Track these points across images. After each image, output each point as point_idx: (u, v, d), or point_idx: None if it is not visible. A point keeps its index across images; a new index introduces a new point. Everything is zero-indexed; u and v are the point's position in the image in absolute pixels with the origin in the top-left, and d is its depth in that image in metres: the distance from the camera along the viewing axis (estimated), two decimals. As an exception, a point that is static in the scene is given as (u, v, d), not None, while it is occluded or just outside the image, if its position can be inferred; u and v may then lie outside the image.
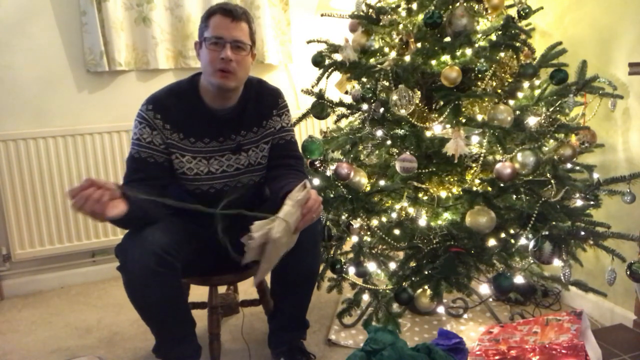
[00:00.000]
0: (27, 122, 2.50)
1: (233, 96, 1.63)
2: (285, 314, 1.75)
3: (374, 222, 1.85)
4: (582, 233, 1.76)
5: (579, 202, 1.80)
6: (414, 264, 1.82)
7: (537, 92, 1.86)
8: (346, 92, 2.06)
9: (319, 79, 1.99)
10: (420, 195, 1.84)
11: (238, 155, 1.67)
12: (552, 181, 1.70)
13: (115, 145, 2.59)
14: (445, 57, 1.75)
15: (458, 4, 1.74)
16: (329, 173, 1.91)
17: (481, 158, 1.72)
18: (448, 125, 1.74)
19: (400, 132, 1.78)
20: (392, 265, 1.87)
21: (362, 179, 1.81)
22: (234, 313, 2.05)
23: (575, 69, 1.85)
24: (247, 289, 2.28)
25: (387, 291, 1.86)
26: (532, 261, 1.78)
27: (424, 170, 1.81)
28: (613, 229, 1.78)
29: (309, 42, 2.07)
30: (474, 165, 1.79)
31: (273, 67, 2.91)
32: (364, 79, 1.94)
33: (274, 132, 1.72)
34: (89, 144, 2.55)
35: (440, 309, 2.00)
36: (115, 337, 2.06)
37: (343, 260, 1.93)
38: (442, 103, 1.85)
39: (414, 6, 1.86)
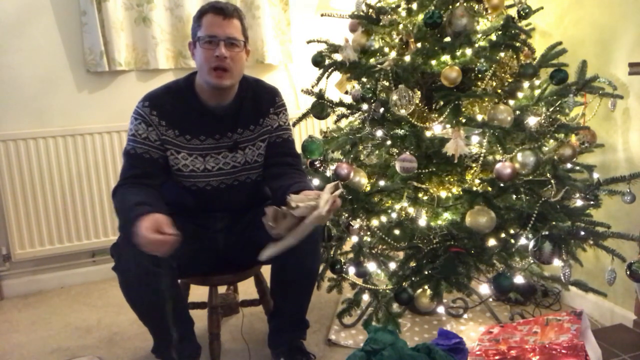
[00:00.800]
0: (27, 122, 2.50)
1: (229, 94, 1.64)
2: (285, 313, 1.75)
3: (374, 222, 1.85)
4: (582, 233, 1.76)
5: (579, 202, 1.80)
6: (414, 264, 1.82)
7: (537, 92, 1.86)
8: (346, 92, 2.06)
9: (319, 79, 1.99)
10: (420, 195, 1.84)
11: (234, 153, 1.67)
12: (552, 181, 1.70)
13: (115, 145, 2.59)
14: (445, 57, 1.75)
15: (458, 4, 1.74)
16: (329, 173, 1.90)
17: (481, 158, 1.72)
18: (448, 125, 1.74)
19: (400, 132, 1.78)
20: (392, 265, 1.87)
21: (362, 179, 1.81)
22: (234, 313, 2.05)
23: (575, 69, 1.85)
24: (247, 289, 2.28)
25: (387, 291, 1.86)
26: (532, 261, 1.78)
27: (424, 170, 1.81)
28: (613, 229, 1.78)
29: (309, 42, 2.07)
30: (474, 165, 1.79)
31: (273, 67, 2.91)
32: (364, 79, 1.94)
33: (271, 131, 1.72)
34: (89, 144, 2.55)
35: (440, 309, 2.00)
36: (115, 337, 2.06)
37: (343, 260, 1.93)
38: (442, 103, 1.84)
39: (414, 6, 1.86)
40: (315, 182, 1.91)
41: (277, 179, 1.67)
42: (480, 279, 1.92)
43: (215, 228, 1.74)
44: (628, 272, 1.56)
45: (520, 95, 1.87)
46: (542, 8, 2.05)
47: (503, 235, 1.77)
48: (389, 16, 1.87)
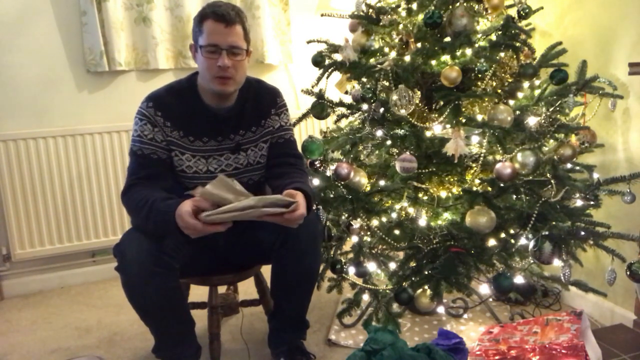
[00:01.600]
0: (27, 122, 2.50)
1: (231, 96, 1.63)
2: (285, 314, 1.75)
3: (374, 222, 1.85)
4: (582, 233, 1.76)
5: (579, 202, 1.80)
6: (414, 264, 1.82)
7: (537, 92, 1.86)
8: (346, 92, 2.06)
9: (319, 79, 1.99)
10: (420, 195, 1.84)
11: (237, 155, 1.67)
12: (552, 181, 1.70)
13: (115, 145, 2.59)
14: (445, 57, 1.75)
15: (458, 4, 1.74)
16: (329, 173, 1.90)
17: (481, 158, 1.72)
18: (448, 125, 1.74)
19: (400, 132, 1.78)
20: (392, 265, 1.87)
21: (362, 179, 1.81)
22: (234, 313, 2.05)
23: (575, 69, 1.85)
24: (247, 289, 2.28)
25: (387, 291, 1.86)
26: (532, 261, 1.78)
27: (424, 170, 1.81)
28: (613, 229, 1.78)
29: (309, 42, 2.07)
30: (474, 165, 1.79)
31: (273, 67, 2.91)
32: (364, 79, 1.94)
33: (273, 131, 1.72)
34: (89, 144, 2.55)
35: (440, 309, 2.00)
36: (115, 337, 2.06)
37: (343, 260, 1.93)
38: (442, 103, 1.84)
39: (414, 6, 1.86)
40: (316, 182, 1.91)
41: (277, 179, 1.67)
42: (480, 279, 1.92)
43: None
44: (628, 272, 1.56)
45: (520, 95, 1.87)
46: (542, 8, 2.05)
47: (503, 235, 1.77)
48: (389, 16, 1.87)
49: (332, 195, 1.86)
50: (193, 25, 1.58)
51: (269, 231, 1.59)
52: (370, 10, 1.92)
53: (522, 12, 1.85)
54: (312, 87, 1.99)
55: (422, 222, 1.79)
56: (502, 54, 1.79)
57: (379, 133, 1.83)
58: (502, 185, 1.69)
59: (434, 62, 1.76)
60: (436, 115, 1.83)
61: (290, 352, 1.73)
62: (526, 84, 1.87)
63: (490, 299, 2.10)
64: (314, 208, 1.77)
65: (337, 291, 2.03)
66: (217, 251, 1.73)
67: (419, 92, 1.89)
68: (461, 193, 1.78)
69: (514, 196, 1.74)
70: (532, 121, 1.76)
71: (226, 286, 2.14)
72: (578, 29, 2.04)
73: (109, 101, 2.64)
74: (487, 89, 1.76)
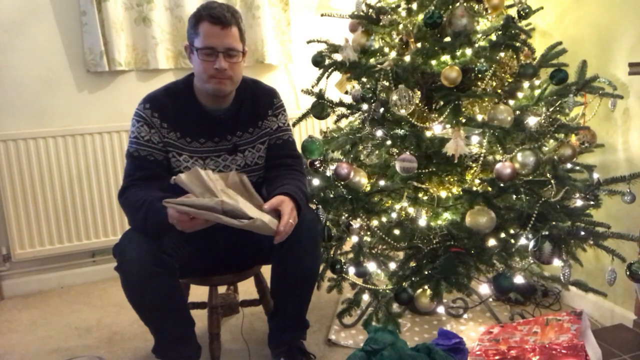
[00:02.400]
0: (27, 122, 2.50)
1: (228, 98, 1.64)
2: (285, 314, 1.75)
3: (374, 222, 1.85)
4: (582, 233, 1.76)
5: (579, 202, 1.80)
6: (414, 264, 1.82)
7: (537, 92, 1.86)
8: (346, 92, 2.05)
9: (319, 79, 1.99)
10: (420, 195, 1.84)
11: (234, 156, 1.67)
12: (552, 181, 1.70)
13: (115, 145, 2.60)
14: (445, 57, 1.75)
15: (458, 4, 1.74)
16: (329, 173, 1.90)
17: (481, 158, 1.72)
18: (448, 125, 1.74)
19: (400, 132, 1.78)
20: (392, 265, 1.87)
21: (362, 179, 1.81)
22: (234, 313, 2.05)
23: (575, 69, 1.84)
24: (247, 289, 2.28)
25: (387, 291, 1.86)
26: (532, 261, 1.78)
27: (424, 170, 1.81)
28: (613, 229, 1.78)
29: (309, 42, 2.07)
30: (474, 165, 1.79)
31: (273, 67, 2.91)
32: (364, 79, 1.94)
33: (271, 132, 1.72)
34: (89, 144, 2.55)
35: (440, 309, 2.00)
36: (115, 337, 2.06)
37: (343, 260, 1.92)
38: (442, 103, 1.84)
39: (414, 6, 1.86)
40: (316, 182, 1.91)
41: (271, 183, 1.67)
42: (480, 279, 1.91)
43: (215, 228, 1.74)
44: (628, 272, 1.56)
45: (520, 95, 1.87)
46: (542, 8, 2.05)
47: (503, 235, 1.77)
48: (389, 16, 1.87)
49: (332, 195, 1.86)
50: (188, 27, 1.57)
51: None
52: (370, 10, 1.92)
53: (522, 12, 1.85)
54: (312, 87, 1.99)
55: (422, 222, 1.79)
56: (502, 54, 1.79)
57: (379, 133, 1.83)
58: (502, 185, 1.69)
59: (434, 62, 1.76)
60: (436, 115, 1.83)
61: (290, 352, 1.73)
62: (526, 84, 1.87)
63: (490, 299, 2.10)
64: (314, 208, 1.77)
65: (337, 291, 2.03)
66: (217, 251, 1.73)
67: (419, 92, 1.89)
68: (461, 193, 1.77)
69: (514, 196, 1.74)
70: (532, 121, 1.76)
71: (226, 286, 2.14)
72: (578, 29, 2.04)
73: (109, 101, 2.64)
74: (487, 89, 1.76)
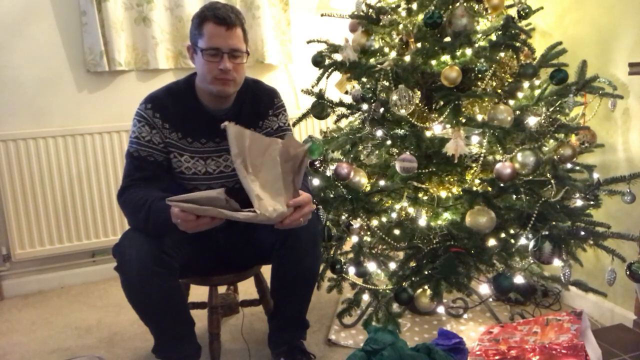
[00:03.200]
0: (27, 122, 2.50)
1: (229, 98, 1.63)
2: (285, 314, 1.75)
3: (374, 222, 1.85)
4: (582, 233, 1.76)
5: (579, 202, 1.80)
6: (414, 264, 1.82)
7: (537, 92, 1.86)
8: (346, 92, 2.06)
9: (319, 79, 1.99)
10: (420, 195, 1.84)
11: None
12: (552, 181, 1.70)
13: (115, 145, 2.60)
14: (445, 57, 1.75)
15: (458, 4, 1.74)
16: (329, 173, 1.90)
17: (481, 158, 1.72)
18: (448, 125, 1.74)
19: (400, 132, 1.78)
20: (392, 265, 1.87)
21: (362, 179, 1.81)
22: (234, 313, 2.05)
23: (575, 69, 1.85)
24: (247, 289, 2.28)
25: (387, 291, 1.86)
26: (532, 261, 1.78)
27: (424, 170, 1.81)
28: (613, 229, 1.78)
29: (309, 42, 2.07)
30: (474, 165, 1.79)
31: (273, 67, 2.91)
32: (364, 79, 1.94)
33: (272, 132, 1.72)
34: (89, 144, 2.55)
35: (440, 309, 2.00)
36: (115, 337, 2.06)
37: (343, 260, 1.93)
38: (442, 103, 1.84)
39: (414, 6, 1.86)
40: (316, 182, 1.91)
41: None
42: (480, 279, 1.91)
43: (216, 228, 1.74)
44: (628, 272, 1.56)
45: (520, 95, 1.87)
46: (542, 8, 2.05)
47: (503, 235, 1.77)
48: (389, 16, 1.87)
49: (332, 195, 1.86)
50: (191, 27, 1.57)
51: (268, 231, 1.59)
52: (370, 10, 1.92)
53: (522, 12, 1.85)
54: (312, 87, 1.99)
55: (422, 222, 1.79)
56: (502, 54, 1.79)
57: (379, 133, 1.83)
58: (502, 185, 1.69)
59: (434, 62, 1.76)
60: (436, 115, 1.83)
61: (290, 352, 1.73)
62: (526, 84, 1.87)
63: (490, 299, 2.10)
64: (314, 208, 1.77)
65: (337, 291, 2.03)
66: (217, 251, 1.73)
67: (419, 92, 1.90)
68: (461, 193, 1.77)
69: (514, 196, 1.74)
70: (532, 121, 1.76)
71: (226, 286, 2.14)
72: (578, 29, 2.04)
73: (109, 101, 2.64)
74: (487, 89, 1.76)
